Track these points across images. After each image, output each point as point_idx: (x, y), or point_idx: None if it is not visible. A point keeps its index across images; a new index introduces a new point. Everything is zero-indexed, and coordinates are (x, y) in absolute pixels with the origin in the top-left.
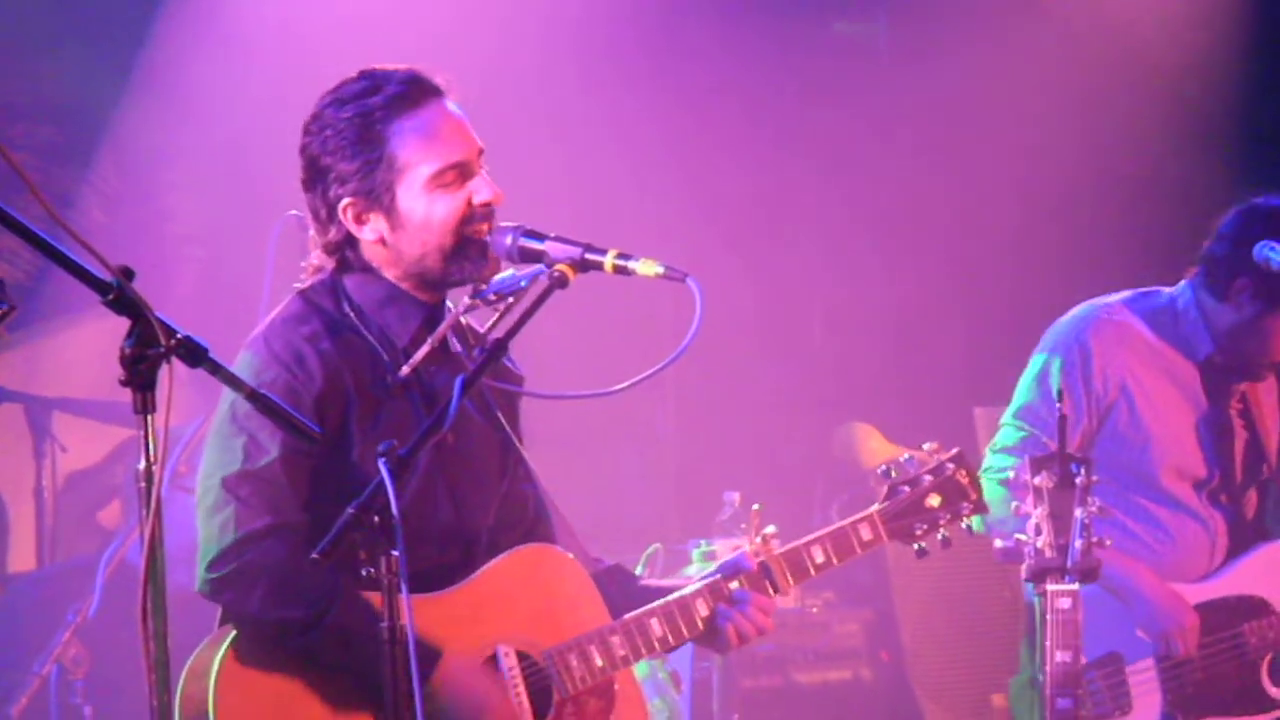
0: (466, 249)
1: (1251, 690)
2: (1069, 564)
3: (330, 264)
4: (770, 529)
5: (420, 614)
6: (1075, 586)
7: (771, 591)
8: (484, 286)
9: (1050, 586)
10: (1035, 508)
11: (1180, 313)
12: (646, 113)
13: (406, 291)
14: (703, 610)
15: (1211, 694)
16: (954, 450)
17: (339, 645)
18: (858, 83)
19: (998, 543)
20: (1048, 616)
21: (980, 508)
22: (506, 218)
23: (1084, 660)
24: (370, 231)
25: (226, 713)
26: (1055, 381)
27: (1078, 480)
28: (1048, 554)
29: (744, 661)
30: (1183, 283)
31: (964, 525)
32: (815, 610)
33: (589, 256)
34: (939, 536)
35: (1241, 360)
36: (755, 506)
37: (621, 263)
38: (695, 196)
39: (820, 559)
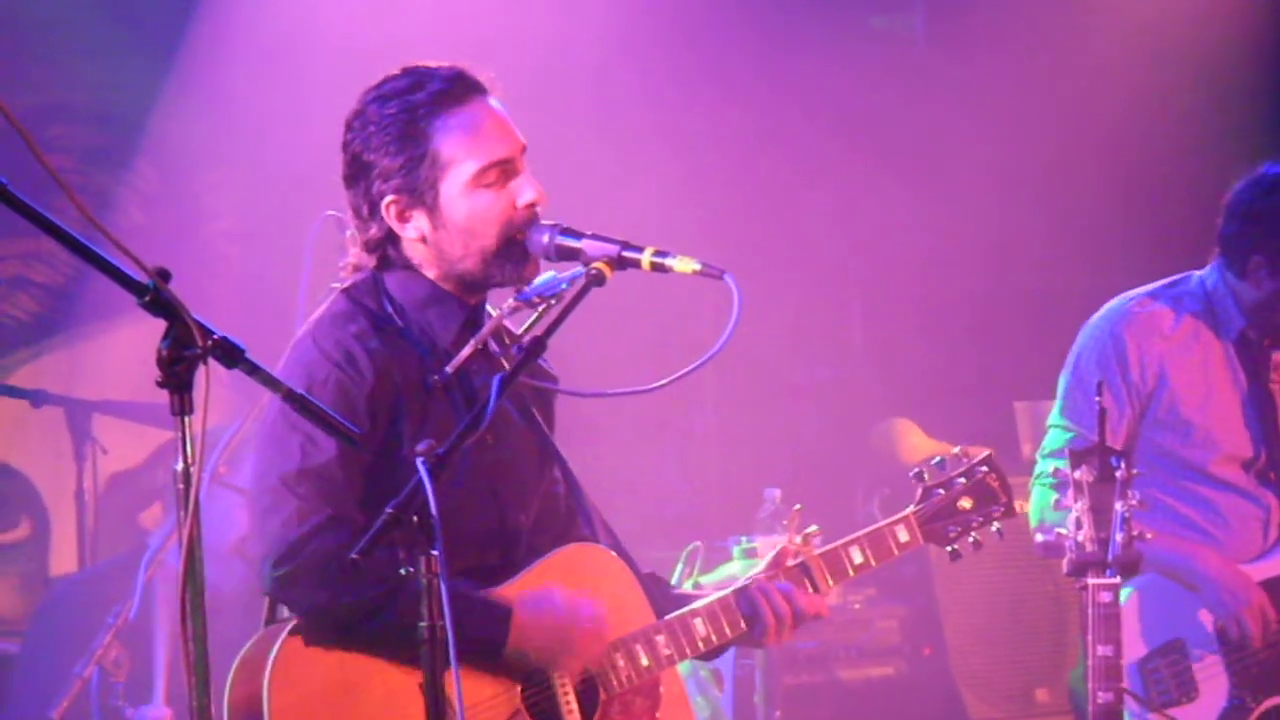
0: (509, 251)
1: None
2: (1110, 558)
3: (370, 262)
4: (812, 529)
5: None
6: (1116, 580)
7: (811, 591)
8: (525, 289)
9: (1091, 580)
10: (1075, 502)
11: (1210, 292)
12: (684, 109)
13: (449, 292)
14: (743, 609)
15: (1278, 673)
16: (985, 453)
17: (409, 626)
18: (895, 75)
19: (1039, 537)
20: (1089, 610)
21: (1010, 511)
22: (543, 215)
23: (1145, 650)
24: (413, 229)
25: (281, 710)
26: (1093, 377)
27: (1118, 474)
28: (1088, 548)
29: (786, 658)
30: (1210, 264)
31: (994, 529)
32: (857, 606)
33: (626, 254)
34: (970, 540)
35: (1274, 330)
36: (796, 506)
37: (659, 260)
38: (734, 192)
39: (859, 560)
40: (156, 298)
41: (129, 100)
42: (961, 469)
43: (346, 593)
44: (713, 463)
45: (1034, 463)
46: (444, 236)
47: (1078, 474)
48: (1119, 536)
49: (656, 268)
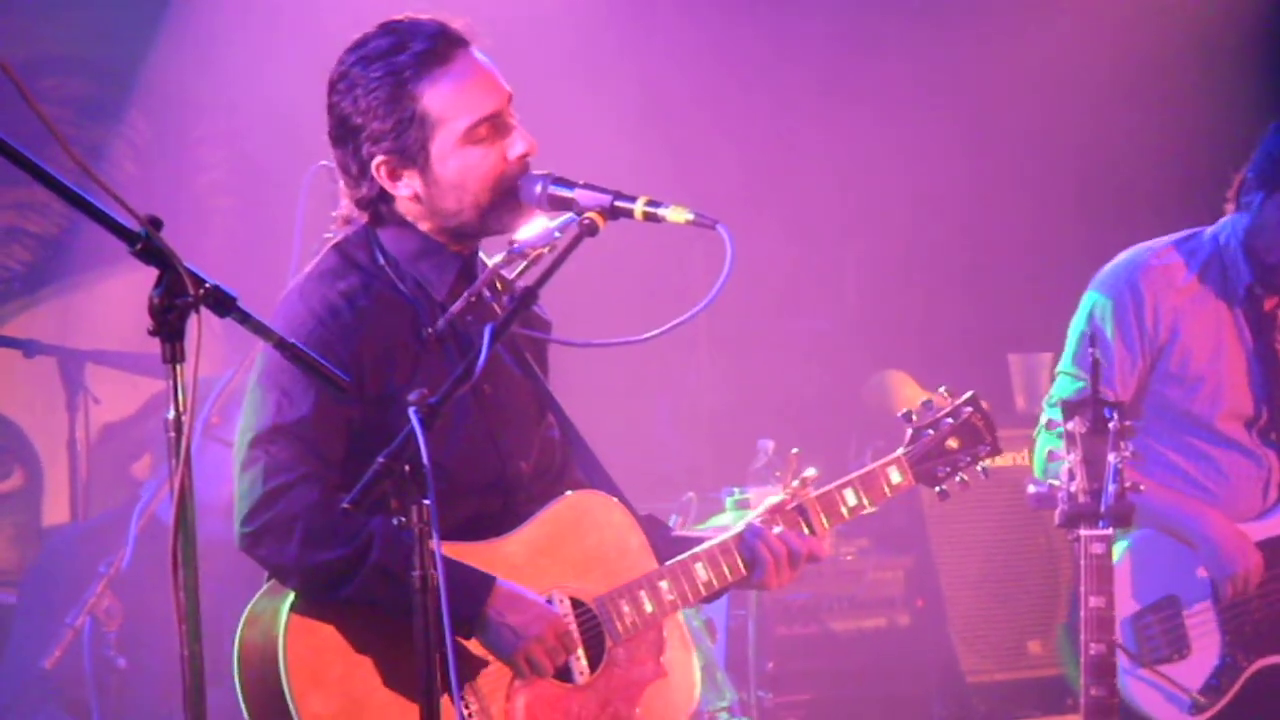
0: (504, 202)
1: None
2: (1102, 509)
3: (363, 217)
4: (809, 472)
5: (474, 561)
6: (1109, 532)
7: (807, 533)
8: (518, 241)
9: (1084, 532)
10: (1069, 453)
11: (1222, 248)
12: (678, 63)
13: (442, 244)
14: (743, 552)
15: (1271, 633)
16: (968, 394)
17: (388, 585)
18: (890, 33)
19: (1031, 488)
20: (1081, 562)
21: (995, 450)
22: (535, 165)
23: (1137, 606)
24: (405, 188)
25: (297, 659)
26: (1108, 326)
27: (1111, 425)
28: (1081, 499)
29: (778, 609)
30: (1224, 219)
31: (979, 469)
32: (850, 558)
33: (619, 204)
34: (958, 479)
35: (1269, 277)
36: (794, 450)
37: (651, 210)
38: (727, 144)
39: (853, 501)
40: (148, 246)
41: (121, 51)
42: (947, 410)
43: (314, 551)
44: (705, 414)
45: (1029, 415)
46: (437, 193)
47: (1070, 426)
48: (1112, 488)
49: (649, 217)
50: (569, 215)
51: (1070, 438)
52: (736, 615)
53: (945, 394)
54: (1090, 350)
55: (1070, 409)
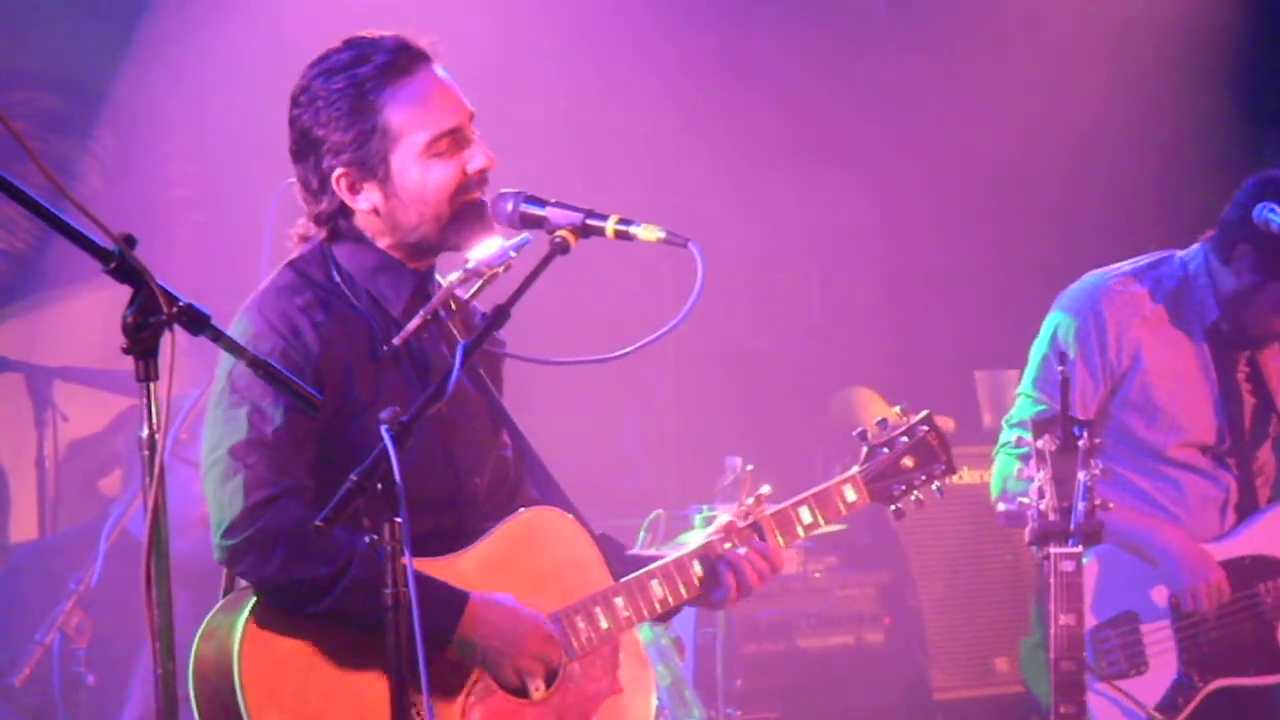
0: (464, 215)
1: (1268, 650)
2: (1072, 526)
3: (320, 234)
4: (764, 489)
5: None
6: (1079, 549)
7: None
8: (474, 261)
9: (1054, 549)
10: (1038, 471)
11: (1191, 276)
12: (645, 79)
13: (399, 260)
14: (699, 570)
15: (1228, 654)
16: (923, 413)
17: (364, 600)
18: (856, 50)
19: (1001, 506)
20: (1051, 580)
21: (950, 469)
22: (506, 184)
23: (1094, 620)
24: (364, 201)
25: (252, 675)
26: (1071, 348)
27: (1080, 443)
28: (1051, 517)
29: (747, 627)
30: (1196, 245)
31: (935, 488)
32: (818, 575)
33: (590, 222)
34: (913, 498)
35: (1241, 332)
36: (749, 468)
37: (623, 228)
38: (693, 161)
39: (808, 519)
40: (122, 264)
41: (91, 67)
42: (903, 428)
43: (296, 567)
44: (673, 432)
45: (995, 431)
46: (397, 206)
47: (1040, 443)
48: (1081, 505)
49: (620, 236)
50: (524, 236)
51: (1040, 455)
52: (705, 632)
53: (901, 413)
54: (1059, 369)
55: (1040, 427)
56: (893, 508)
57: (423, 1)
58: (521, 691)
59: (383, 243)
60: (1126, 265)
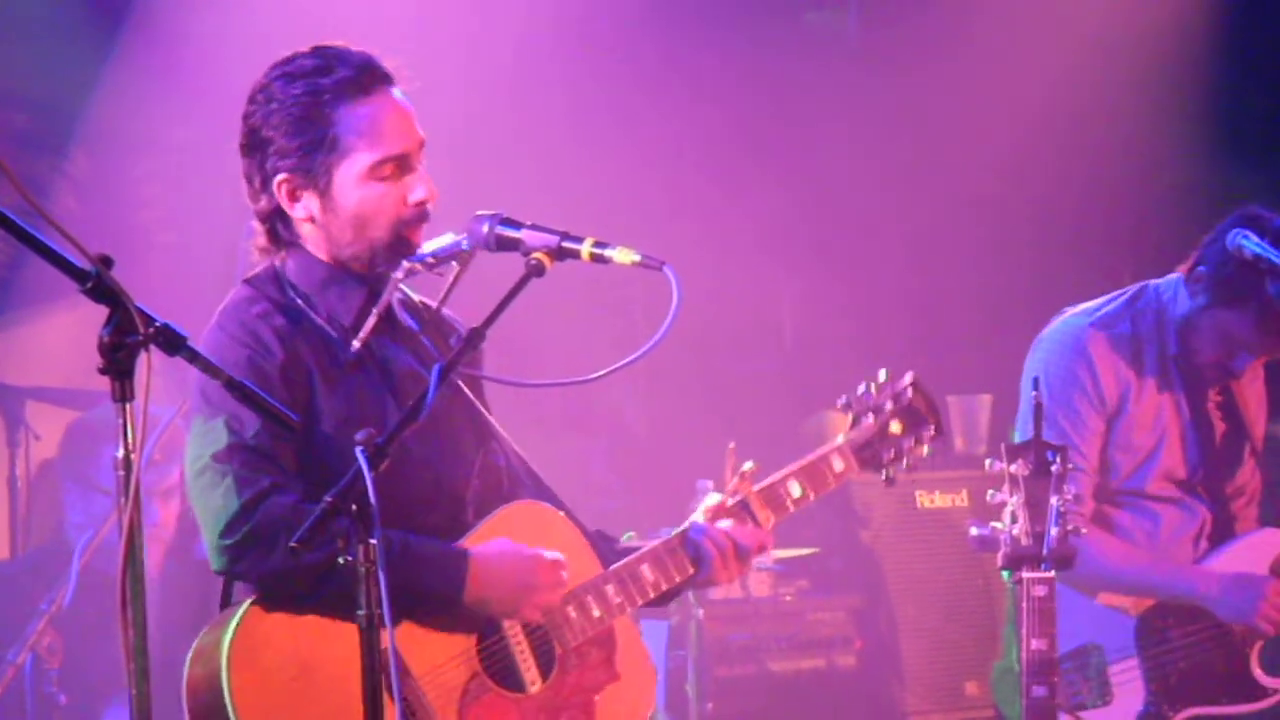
0: (396, 247)
1: (1241, 679)
2: (1045, 551)
3: (277, 254)
4: (748, 465)
5: None
6: (1051, 574)
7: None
8: (420, 251)
9: (1026, 574)
10: (1011, 496)
11: (1164, 305)
12: (616, 102)
13: (345, 272)
14: (688, 552)
15: (1197, 683)
16: (909, 375)
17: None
18: (827, 72)
19: (973, 530)
20: (1023, 604)
21: (939, 431)
22: (482, 206)
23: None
24: (301, 209)
25: (241, 692)
26: (1068, 392)
27: (1053, 468)
28: (1024, 542)
29: (718, 650)
30: (1174, 276)
31: (925, 452)
32: (789, 599)
33: (566, 244)
34: (904, 464)
35: (1188, 360)
36: (730, 445)
37: (598, 251)
38: (665, 185)
39: (797, 493)
40: (99, 284)
41: (63, 87)
42: (888, 393)
43: (300, 554)
44: (643, 454)
45: (967, 456)
46: (332, 221)
47: (1014, 468)
48: (1054, 531)
49: (596, 258)
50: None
51: (1013, 480)
52: (676, 655)
53: (886, 377)
54: (1033, 393)
55: (1013, 452)
56: (883, 475)
57: (391, 27)
58: (518, 685)
59: (321, 254)
60: (1103, 306)
